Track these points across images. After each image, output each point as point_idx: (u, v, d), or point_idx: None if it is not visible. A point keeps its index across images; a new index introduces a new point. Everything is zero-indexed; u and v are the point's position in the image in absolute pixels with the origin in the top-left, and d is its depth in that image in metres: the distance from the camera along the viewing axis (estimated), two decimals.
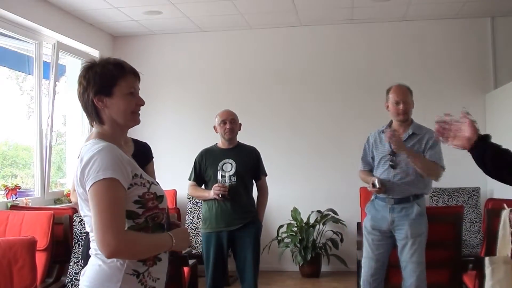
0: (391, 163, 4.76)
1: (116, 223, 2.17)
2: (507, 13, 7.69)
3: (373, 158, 4.97)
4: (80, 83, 2.39)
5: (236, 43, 8.43)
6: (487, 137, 2.64)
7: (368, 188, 4.89)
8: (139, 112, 2.49)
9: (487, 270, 2.15)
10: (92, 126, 2.43)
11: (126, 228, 2.24)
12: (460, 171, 7.44)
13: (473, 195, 7.41)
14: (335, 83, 8.10)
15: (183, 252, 4.87)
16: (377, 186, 4.68)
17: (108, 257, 2.20)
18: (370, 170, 5.02)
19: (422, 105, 7.83)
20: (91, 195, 2.20)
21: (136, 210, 2.29)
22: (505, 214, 2.11)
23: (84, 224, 4.03)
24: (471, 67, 7.86)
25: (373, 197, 4.97)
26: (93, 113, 2.39)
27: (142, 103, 2.48)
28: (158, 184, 2.44)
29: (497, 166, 2.52)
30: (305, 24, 8.15)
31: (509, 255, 2.12)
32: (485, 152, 2.51)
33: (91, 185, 2.20)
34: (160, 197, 2.36)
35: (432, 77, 7.93)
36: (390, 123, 4.94)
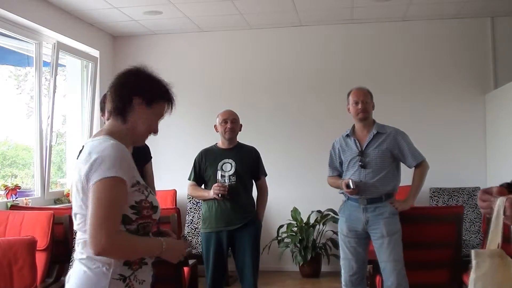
0: (360, 163, 4.87)
1: (112, 222, 2.18)
2: (507, 13, 7.69)
3: (340, 163, 5.11)
4: (127, 79, 2.48)
5: (236, 43, 8.43)
6: None
7: (341, 191, 5.01)
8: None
9: (473, 263, 2.11)
10: (105, 120, 2.45)
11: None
12: (460, 171, 7.47)
13: (473, 195, 7.41)
14: (335, 83, 8.09)
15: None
16: (352, 186, 4.75)
17: (97, 254, 2.19)
18: (338, 176, 5.16)
19: (422, 105, 7.89)
20: (95, 190, 2.19)
21: (131, 215, 2.29)
22: (499, 202, 2.03)
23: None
24: (471, 67, 7.86)
25: (345, 199, 5.07)
26: (123, 109, 2.42)
27: (157, 131, 2.56)
28: (154, 194, 2.46)
29: None
30: (305, 24, 8.15)
31: (499, 246, 2.08)
32: None
33: (96, 181, 2.20)
34: (155, 208, 2.37)
35: (432, 77, 7.93)
36: (353, 127, 5.08)
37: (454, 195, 7.45)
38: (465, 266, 4.93)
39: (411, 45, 8.08)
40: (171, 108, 2.55)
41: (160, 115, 2.50)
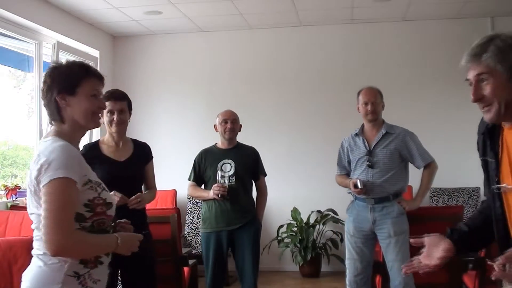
0: (368, 163, 4.88)
1: (66, 222, 2.22)
2: (507, 13, 7.68)
3: (349, 162, 5.11)
4: (45, 81, 2.46)
5: (236, 43, 8.43)
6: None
7: (349, 190, 5.00)
8: (101, 115, 2.60)
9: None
10: (52, 124, 2.46)
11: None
12: (460, 171, 7.46)
13: (473, 195, 7.42)
14: (334, 83, 8.11)
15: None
16: (360, 186, 4.75)
17: (54, 255, 2.24)
18: (346, 174, 5.16)
19: (421, 105, 7.89)
20: (45, 192, 2.23)
21: (84, 213, 2.32)
22: None
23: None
24: None
25: (352, 198, 5.07)
26: (55, 111, 2.43)
27: (103, 106, 2.56)
28: (109, 191, 2.49)
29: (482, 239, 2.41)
30: (305, 24, 8.15)
31: None
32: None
33: (46, 183, 2.23)
34: (109, 204, 2.41)
35: (432, 77, 7.94)
36: (363, 126, 5.08)
37: (454, 195, 7.46)
38: (465, 266, 4.96)
39: (411, 45, 8.08)
40: (98, 77, 2.53)
41: (91, 92, 2.46)
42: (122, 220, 2.64)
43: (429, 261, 2.29)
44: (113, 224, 2.56)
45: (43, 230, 2.22)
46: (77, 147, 2.50)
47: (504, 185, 2.16)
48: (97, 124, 2.53)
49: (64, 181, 2.23)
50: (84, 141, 6.77)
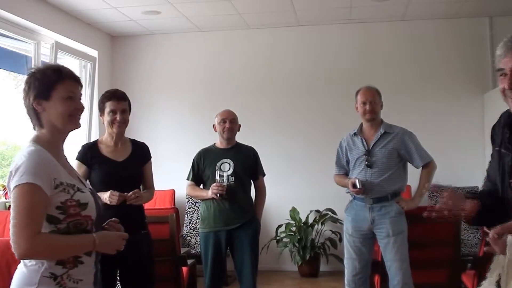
0: (367, 162, 4.88)
1: (30, 227, 2.27)
2: (505, 13, 7.70)
3: (347, 162, 5.11)
4: (23, 88, 2.51)
5: (234, 43, 8.44)
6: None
7: (347, 190, 5.01)
8: (80, 116, 2.58)
9: None
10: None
11: (47, 232, 2.34)
12: (458, 171, 7.47)
13: (472, 194, 7.41)
14: (333, 83, 8.12)
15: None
16: (358, 186, 4.76)
17: (19, 258, 2.35)
18: (345, 174, 5.16)
19: (420, 104, 7.90)
20: (12, 196, 2.32)
21: (58, 215, 2.36)
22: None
23: None
24: (470, 66, 7.87)
25: (351, 198, 5.08)
26: (34, 117, 2.50)
27: (80, 107, 2.57)
28: (89, 191, 2.53)
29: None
30: (304, 24, 8.16)
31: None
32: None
33: (13, 188, 2.31)
34: (83, 205, 2.43)
35: (430, 77, 7.95)
36: (361, 126, 5.08)
37: None
38: (464, 265, 4.97)
39: (409, 45, 8.09)
40: (73, 79, 2.56)
41: (66, 95, 2.49)
42: (112, 219, 2.67)
43: (456, 210, 2.28)
44: (104, 224, 2.61)
45: (10, 234, 2.31)
46: (59, 150, 2.54)
47: None
48: (76, 126, 2.56)
49: (28, 187, 2.29)
50: (83, 141, 6.80)
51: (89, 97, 7.78)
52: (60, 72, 2.51)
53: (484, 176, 2.55)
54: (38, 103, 2.45)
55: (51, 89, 2.46)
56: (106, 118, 4.14)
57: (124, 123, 4.18)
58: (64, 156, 2.61)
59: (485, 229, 2.08)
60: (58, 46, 7.04)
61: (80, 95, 2.59)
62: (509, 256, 2.01)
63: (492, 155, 2.45)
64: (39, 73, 2.50)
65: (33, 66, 6.62)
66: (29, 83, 2.48)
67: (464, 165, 7.53)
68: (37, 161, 2.35)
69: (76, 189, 2.43)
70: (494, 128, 2.51)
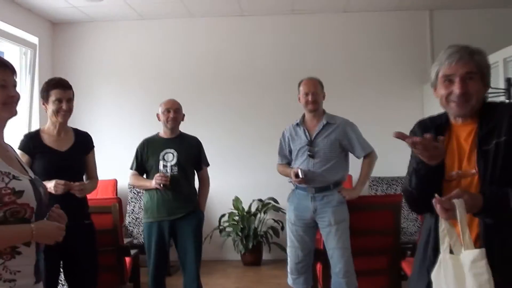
0: (309, 153, 4.95)
1: None
2: (445, 7, 7.90)
3: (290, 152, 5.18)
4: None
5: (177, 32, 8.38)
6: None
7: (290, 180, 5.07)
8: (16, 104, 2.56)
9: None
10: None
11: None
12: (399, 160, 7.61)
13: None
14: (275, 74, 8.16)
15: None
16: (301, 176, 4.82)
17: None
18: (287, 163, 5.23)
19: (361, 95, 8.02)
20: None
21: None
22: (459, 204, 2.24)
23: None
24: (410, 58, 8.03)
25: (293, 187, 5.15)
26: None
27: (14, 94, 2.55)
28: (28, 180, 2.50)
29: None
30: (247, 14, 8.17)
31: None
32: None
33: None
34: (18, 192, 2.39)
35: (372, 69, 8.09)
36: (303, 116, 5.16)
37: (392, 184, 7.62)
38: (403, 252, 5.10)
39: (352, 37, 8.20)
40: (4, 67, 2.53)
41: None
42: (54, 206, 2.63)
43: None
44: (48, 213, 2.57)
45: None
46: None
47: (459, 171, 2.48)
48: (11, 113, 2.55)
49: None
50: (23, 130, 6.67)
51: (29, 85, 7.62)
52: None
53: (408, 170, 2.70)
54: None
55: None
56: (51, 107, 4.07)
57: (69, 112, 4.12)
58: (5, 145, 2.58)
59: (437, 196, 2.27)
60: None
61: (15, 82, 2.56)
62: (460, 216, 2.21)
63: (411, 154, 2.63)
64: None
65: None
66: None
67: (402, 155, 7.61)
68: None
69: (12, 177, 2.39)
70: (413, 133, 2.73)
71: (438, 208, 2.25)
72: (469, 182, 2.46)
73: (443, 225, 2.30)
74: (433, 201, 2.27)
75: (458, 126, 2.58)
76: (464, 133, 2.53)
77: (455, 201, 2.22)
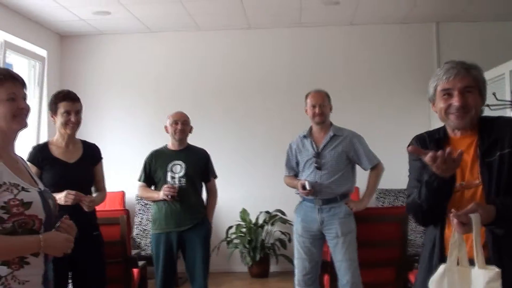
0: (316, 164, 4.97)
1: None
2: (451, 19, 7.90)
3: (297, 164, 5.19)
4: None
5: (185, 45, 8.41)
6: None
7: (297, 191, 5.07)
8: (26, 116, 2.62)
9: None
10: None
11: None
12: (404, 172, 7.59)
13: None
14: (283, 86, 8.18)
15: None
16: (308, 188, 4.83)
17: None
18: (294, 175, 5.24)
19: (368, 107, 8.03)
20: None
21: (1, 215, 2.37)
22: (475, 220, 2.29)
23: None
24: (417, 71, 8.01)
25: (300, 199, 5.16)
26: None
27: (24, 106, 2.60)
28: (37, 191, 2.53)
29: None
30: (254, 27, 8.21)
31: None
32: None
33: None
34: (27, 204, 2.43)
35: (379, 80, 8.11)
36: (311, 128, 5.17)
37: (399, 196, 7.61)
38: (410, 264, 5.09)
39: (358, 49, 8.22)
40: (13, 80, 2.58)
41: (7, 97, 2.53)
42: (63, 217, 2.66)
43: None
44: (57, 224, 2.59)
45: None
46: (7, 151, 2.56)
47: (463, 182, 2.55)
48: (21, 125, 2.59)
49: None
50: (32, 142, 6.72)
51: (38, 97, 7.67)
52: None
53: (411, 184, 2.82)
54: None
55: None
56: (59, 119, 4.10)
57: (77, 124, 4.15)
58: (15, 157, 2.62)
59: (453, 210, 2.32)
60: (7, 46, 6.91)
61: (25, 94, 2.61)
62: (475, 231, 2.25)
63: (412, 167, 2.81)
64: None
65: None
66: None
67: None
68: None
69: (21, 189, 2.43)
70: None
71: (455, 223, 2.30)
72: (473, 193, 2.53)
73: (455, 236, 2.33)
74: (451, 216, 2.32)
75: (457, 139, 2.65)
76: (464, 146, 2.58)
77: (471, 215, 2.26)
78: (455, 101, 2.56)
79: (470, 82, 2.58)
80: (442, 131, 2.73)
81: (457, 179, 2.52)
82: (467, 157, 2.55)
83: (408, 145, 2.63)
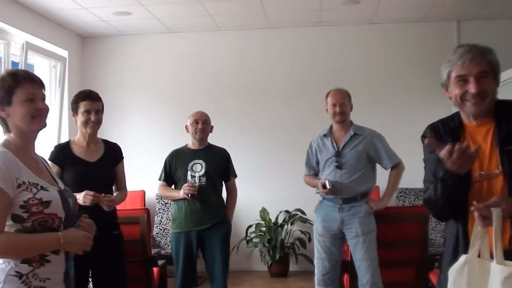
0: (336, 164, 4.96)
1: None
2: (472, 17, 7.84)
3: (317, 163, 5.19)
4: None
5: (205, 44, 8.43)
6: None
7: (317, 191, 5.08)
8: (45, 116, 2.64)
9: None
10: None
11: (13, 230, 2.39)
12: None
13: None
14: (302, 85, 8.17)
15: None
16: (328, 187, 4.83)
17: None
18: (314, 174, 5.25)
19: (388, 107, 7.99)
20: None
21: (21, 214, 2.41)
22: (497, 215, 2.26)
23: None
24: (437, 70, 7.94)
25: (321, 198, 5.15)
26: (2, 123, 2.60)
27: (42, 107, 2.62)
28: (56, 190, 2.57)
29: None
30: (274, 27, 8.20)
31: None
32: None
33: None
34: (46, 203, 2.46)
35: (399, 79, 8.06)
36: (331, 127, 5.17)
37: (420, 195, 7.56)
38: (431, 264, 5.07)
39: (378, 48, 8.18)
40: (32, 81, 2.61)
41: (26, 98, 2.56)
42: (83, 215, 2.69)
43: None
44: (77, 223, 2.62)
45: None
46: (28, 152, 2.60)
47: (482, 172, 2.49)
48: (40, 126, 2.62)
49: None
50: (53, 142, 6.78)
51: (59, 97, 7.73)
52: (17, 77, 2.57)
53: (427, 177, 2.82)
54: (1, 109, 2.53)
55: (10, 94, 2.53)
56: (80, 118, 4.14)
57: (98, 123, 4.18)
58: (35, 156, 2.65)
59: (475, 203, 2.26)
60: (29, 46, 6.97)
61: (43, 95, 2.64)
62: (495, 226, 2.21)
63: (428, 160, 2.79)
64: None
65: (2, 66, 6.59)
66: None
67: None
68: None
69: (40, 188, 2.46)
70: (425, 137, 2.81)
71: (476, 216, 2.26)
72: (494, 183, 2.46)
73: (478, 228, 2.31)
74: (472, 208, 2.27)
75: (473, 127, 2.60)
76: (480, 134, 2.54)
77: (492, 209, 2.23)
78: (472, 88, 2.50)
79: (485, 67, 2.51)
80: (456, 119, 2.68)
81: (475, 169, 2.46)
82: (484, 146, 2.50)
83: (422, 135, 2.59)
